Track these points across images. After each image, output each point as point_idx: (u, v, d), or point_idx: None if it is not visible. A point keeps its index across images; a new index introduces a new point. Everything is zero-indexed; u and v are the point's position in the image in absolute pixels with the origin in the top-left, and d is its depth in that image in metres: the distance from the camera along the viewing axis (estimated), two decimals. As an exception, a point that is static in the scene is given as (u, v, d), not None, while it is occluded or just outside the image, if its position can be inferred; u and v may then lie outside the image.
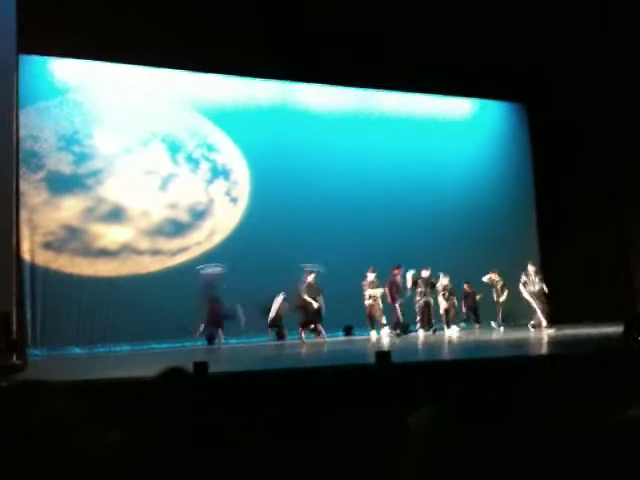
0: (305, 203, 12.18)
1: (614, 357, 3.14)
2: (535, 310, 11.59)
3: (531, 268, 11.80)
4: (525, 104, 14.55)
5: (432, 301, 11.86)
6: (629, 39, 11.43)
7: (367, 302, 11.39)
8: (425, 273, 11.79)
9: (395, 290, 11.52)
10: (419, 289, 11.71)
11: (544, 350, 7.87)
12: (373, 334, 11.33)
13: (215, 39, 10.78)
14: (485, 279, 12.40)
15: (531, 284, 11.66)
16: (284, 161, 12.25)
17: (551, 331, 10.74)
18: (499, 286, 12.30)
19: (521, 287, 11.67)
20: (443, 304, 11.94)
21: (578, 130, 12.98)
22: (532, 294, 11.60)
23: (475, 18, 11.13)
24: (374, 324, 11.41)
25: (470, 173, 13.69)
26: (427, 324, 11.76)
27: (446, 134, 13.83)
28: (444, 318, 11.93)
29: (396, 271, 11.58)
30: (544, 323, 11.42)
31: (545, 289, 11.69)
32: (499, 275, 12.35)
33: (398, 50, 11.59)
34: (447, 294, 11.97)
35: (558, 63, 12.44)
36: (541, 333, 10.58)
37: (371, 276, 11.35)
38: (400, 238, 12.11)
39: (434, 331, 11.64)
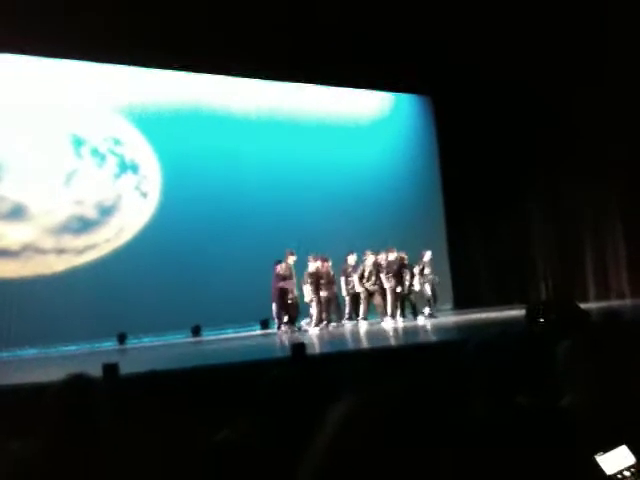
0: (218, 198, 11.95)
1: (517, 340, 3.29)
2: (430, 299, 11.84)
3: (427, 255, 11.90)
4: (432, 97, 14.94)
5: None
6: (538, 29, 11.60)
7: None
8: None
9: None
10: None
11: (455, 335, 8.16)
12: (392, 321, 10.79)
13: (120, 29, 10.35)
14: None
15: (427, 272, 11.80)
16: (196, 155, 11.98)
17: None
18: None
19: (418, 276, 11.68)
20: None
21: (483, 121, 13.44)
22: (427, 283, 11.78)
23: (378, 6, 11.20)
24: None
25: (379, 171, 13.82)
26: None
27: (354, 131, 13.93)
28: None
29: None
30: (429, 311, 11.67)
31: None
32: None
33: (305, 41, 11.54)
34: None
35: (464, 53, 12.51)
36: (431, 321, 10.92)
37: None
38: (311, 236, 11.81)
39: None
